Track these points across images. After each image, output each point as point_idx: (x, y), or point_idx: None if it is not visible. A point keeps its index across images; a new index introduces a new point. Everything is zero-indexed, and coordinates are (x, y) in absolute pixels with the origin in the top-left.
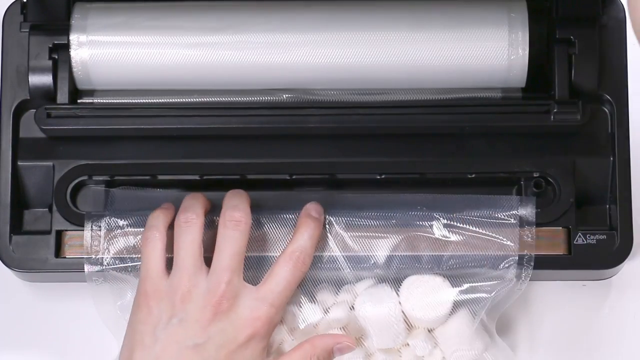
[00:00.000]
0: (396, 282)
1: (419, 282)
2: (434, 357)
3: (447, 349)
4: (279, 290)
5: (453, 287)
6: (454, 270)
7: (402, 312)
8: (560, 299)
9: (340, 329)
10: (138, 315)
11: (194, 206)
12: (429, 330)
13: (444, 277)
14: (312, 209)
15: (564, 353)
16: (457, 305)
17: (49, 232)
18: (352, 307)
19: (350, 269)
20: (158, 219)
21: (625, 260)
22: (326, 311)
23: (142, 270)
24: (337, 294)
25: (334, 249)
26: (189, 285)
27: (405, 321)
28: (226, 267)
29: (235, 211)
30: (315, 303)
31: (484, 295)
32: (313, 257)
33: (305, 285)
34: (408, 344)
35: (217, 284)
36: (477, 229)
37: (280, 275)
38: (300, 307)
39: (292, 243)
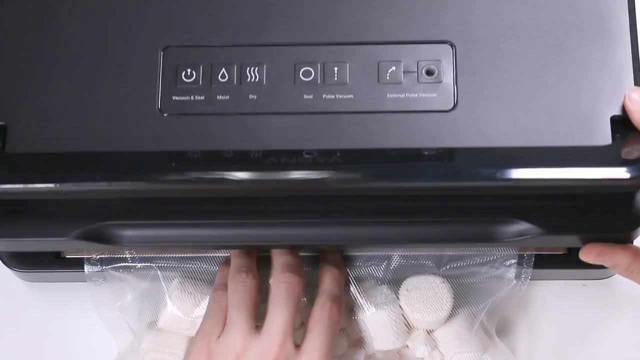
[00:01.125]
0: (396, 283)
1: (418, 283)
2: (434, 358)
3: (447, 350)
4: (321, 347)
5: (452, 287)
6: (453, 271)
7: (402, 313)
8: (560, 299)
9: (340, 331)
10: None
11: (248, 265)
12: (428, 332)
13: (444, 277)
14: (329, 252)
15: (564, 354)
16: (456, 307)
17: None
18: (352, 309)
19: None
20: (226, 278)
21: None
22: None
23: (200, 328)
24: None
25: None
26: (242, 346)
27: (405, 323)
28: (280, 330)
29: (288, 271)
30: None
31: (483, 295)
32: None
33: (305, 288)
34: (408, 346)
35: (270, 345)
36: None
37: (318, 330)
38: (300, 309)
39: (320, 293)
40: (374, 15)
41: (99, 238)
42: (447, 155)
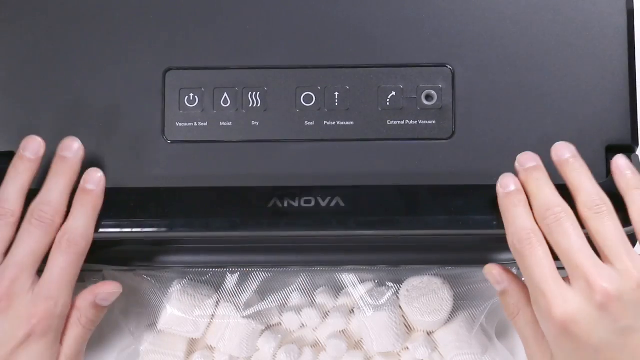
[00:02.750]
0: (396, 284)
1: (418, 284)
2: None
3: (447, 352)
4: (54, 280)
5: (453, 288)
6: (453, 272)
7: (402, 315)
8: None
9: (339, 333)
10: None
11: (11, 198)
12: (428, 333)
13: (444, 278)
14: (88, 179)
15: None
16: (456, 309)
17: None
18: (352, 310)
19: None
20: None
21: None
22: (325, 315)
23: None
24: (336, 297)
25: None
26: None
27: (405, 324)
28: (17, 263)
29: (45, 206)
30: (314, 307)
31: (483, 298)
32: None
33: (305, 289)
34: (408, 348)
35: (1, 279)
36: None
37: (53, 263)
38: (300, 310)
39: (64, 224)
40: (374, 38)
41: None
42: (447, 201)
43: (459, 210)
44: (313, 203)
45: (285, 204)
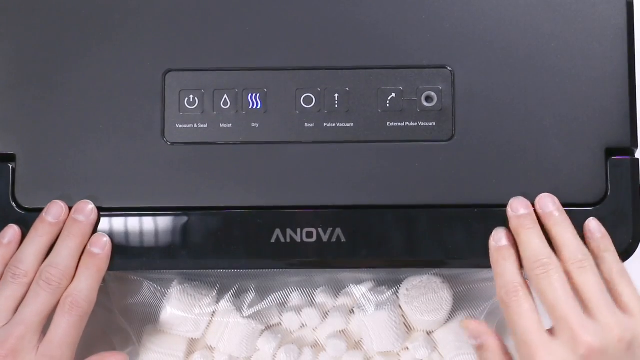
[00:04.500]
0: (395, 284)
1: (418, 284)
2: None
3: (447, 352)
4: (57, 340)
5: (452, 288)
6: (453, 272)
7: (402, 314)
8: None
9: (339, 332)
10: None
11: (27, 260)
12: (427, 333)
13: (444, 278)
14: (94, 242)
15: None
16: (456, 309)
17: None
18: (352, 310)
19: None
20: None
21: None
22: (325, 315)
23: None
24: (336, 297)
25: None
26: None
27: (405, 324)
28: (23, 321)
29: (53, 269)
30: (314, 307)
31: (483, 298)
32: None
33: (305, 289)
34: (407, 348)
35: (7, 337)
36: None
37: (56, 324)
38: (300, 310)
39: (69, 286)
40: (373, 39)
41: None
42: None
43: (456, 248)
44: (315, 237)
45: (288, 239)
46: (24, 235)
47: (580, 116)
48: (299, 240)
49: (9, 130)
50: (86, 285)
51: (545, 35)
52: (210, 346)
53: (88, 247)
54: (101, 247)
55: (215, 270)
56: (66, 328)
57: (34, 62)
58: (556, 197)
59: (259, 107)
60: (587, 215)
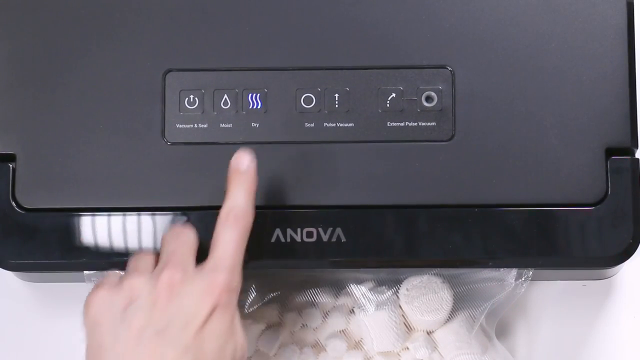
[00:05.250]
0: (395, 284)
1: (418, 283)
2: None
3: (447, 352)
4: (229, 253)
5: (452, 288)
6: (453, 271)
7: (402, 314)
8: (560, 300)
9: (339, 332)
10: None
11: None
12: (428, 333)
13: (444, 278)
14: (240, 161)
15: (563, 356)
16: (456, 309)
17: None
18: (352, 310)
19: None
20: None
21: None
22: (326, 315)
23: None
24: (336, 297)
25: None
26: (181, 281)
27: (405, 324)
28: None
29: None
30: (315, 307)
31: (483, 298)
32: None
33: (305, 289)
34: (408, 348)
35: (213, 282)
36: None
37: (224, 239)
38: (300, 310)
39: (225, 204)
40: (374, 39)
41: None
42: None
43: (456, 248)
44: (315, 237)
45: (288, 239)
46: None
47: (580, 116)
48: (299, 240)
49: (9, 130)
50: (244, 201)
51: (545, 35)
52: None
53: (234, 165)
54: (247, 164)
55: None
56: (236, 240)
57: (34, 62)
58: (556, 196)
59: (259, 107)
60: (587, 215)
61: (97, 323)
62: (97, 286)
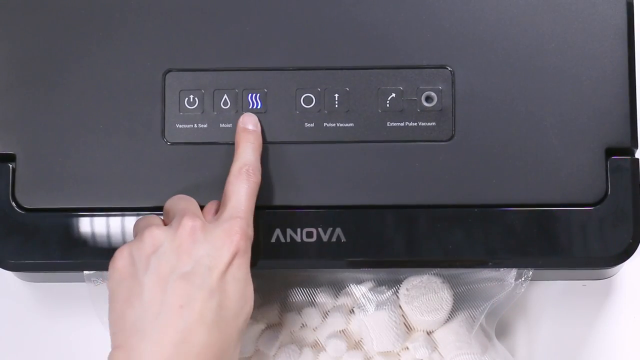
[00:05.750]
0: (395, 284)
1: (418, 283)
2: None
3: (447, 352)
4: (243, 203)
5: (452, 288)
6: (453, 271)
7: (402, 314)
8: (560, 300)
9: (339, 332)
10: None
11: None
12: (428, 333)
13: (444, 277)
14: (247, 121)
15: (563, 355)
16: (456, 309)
17: None
18: (352, 310)
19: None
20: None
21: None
22: (325, 314)
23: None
24: (336, 297)
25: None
26: (201, 229)
27: (405, 324)
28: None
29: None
30: (314, 307)
31: (483, 298)
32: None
33: (305, 289)
34: (407, 348)
35: (231, 227)
36: None
37: (238, 191)
38: (300, 310)
39: (236, 161)
40: (373, 39)
41: None
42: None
43: (456, 248)
44: (315, 237)
45: (288, 239)
46: None
47: (580, 116)
48: (299, 240)
49: (9, 130)
50: (254, 158)
51: (545, 35)
52: None
53: (242, 125)
54: (254, 124)
55: None
56: (249, 192)
57: (34, 62)
58: (556, 196)
59: (259, 107)
60: (587, 215)
61: (123, 277)
62: (120, 248)
